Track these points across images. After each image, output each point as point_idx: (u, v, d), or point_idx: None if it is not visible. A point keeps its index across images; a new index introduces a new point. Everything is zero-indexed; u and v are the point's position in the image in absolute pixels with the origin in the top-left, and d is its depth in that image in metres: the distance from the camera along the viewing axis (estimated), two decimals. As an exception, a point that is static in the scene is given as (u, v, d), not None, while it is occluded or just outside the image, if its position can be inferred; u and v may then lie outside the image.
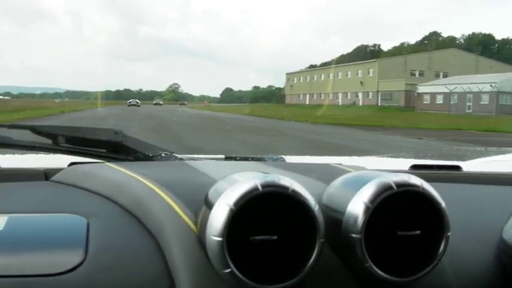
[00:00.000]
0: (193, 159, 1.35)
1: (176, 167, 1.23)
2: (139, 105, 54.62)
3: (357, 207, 0.74)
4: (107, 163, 1.20)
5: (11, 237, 0.79)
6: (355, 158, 1.76)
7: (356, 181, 0.79)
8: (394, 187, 0.74)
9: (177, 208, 0.83)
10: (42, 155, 1.44)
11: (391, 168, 1.04)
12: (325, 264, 0.76)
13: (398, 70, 59.02)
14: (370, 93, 60.49)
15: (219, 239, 0.68)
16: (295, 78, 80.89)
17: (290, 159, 1.53)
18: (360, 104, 59.60)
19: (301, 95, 74.86)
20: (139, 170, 1.05)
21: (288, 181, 0.72)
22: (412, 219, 0.77)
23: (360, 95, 61.98)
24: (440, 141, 15.14)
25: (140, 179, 0.98)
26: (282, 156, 1.53)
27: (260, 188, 0.70)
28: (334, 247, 0.79)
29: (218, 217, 0.69)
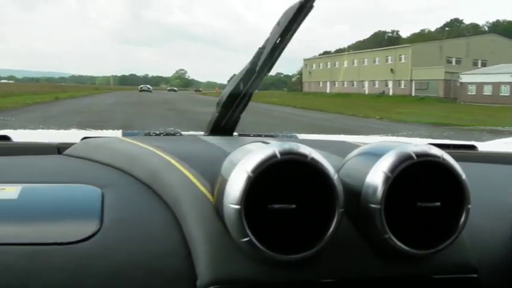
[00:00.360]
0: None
1: (190, 141, 1.21)
2: (151, 91, 51.52)
3: (376, 177, 0.72)
4: (120, 137, 1.19)
5: (25, 206, 0.78)
6: (369, 136, 1.72)
7: (375, 151, 0.77)
8: (414, 157, 0.72)
9: (193, 178, 0.81)
10: (55, 130, 1.55)
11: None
12: (343, 235, 0.74)
13: (434, 57, 53.21)
14: (402, 82, 54.61)
15: (237, 206, 0.66)
16: (313, 65, 74.09)
17: (303, 136, 1.51)
18: (390, 93, 53.72)
19: (320, 83, 68.09)
20: (153, 143, 1.03)
21: (306, 149, 0.70)
22: (432, 191, 0.75)
23: (390, 83, 56.18)
24: None
25: (155, 151, 0.96)
26: (295, 133, 1.53)
27: (279, 155, 0.68)
28: (353, 218, 0.77)
29: (236, 184, 0.67)
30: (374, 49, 64.15)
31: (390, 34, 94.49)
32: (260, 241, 0.67)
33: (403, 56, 55.97)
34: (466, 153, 1.42)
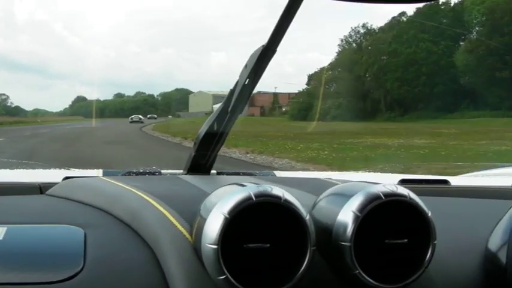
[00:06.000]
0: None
1: (169, 180, 1.25)
2: (142, 122, 45.19)
3: (346, 216, 0.77)
4: (101, 177, 1.24)
5: (11, 247, 0.81)
6: (344, 173, 1.79)
7: (345, 191, 0.82)
8: (382, 197, 0.77)
9: (172, 218, 0.85)
10: (37, 170, 1.58)
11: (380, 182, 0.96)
12: (316, 271, 0.79)
13: None
14: None
15: (214, 246, 0.71)
16: None
17: (280, 174, 1.55)
18: None
19: None
20: (133, 183, 1.08)
21: (280, 191, 0.75)
22: (399, 228, 0.80)
23: None
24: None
25: (134, 191, 1.00)
26: (273, 171, 1.56)
27: (254, 197, 0.73)
28: (325, 255, 0.81)
29: (213, 226, 0.72)
30: None
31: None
32: (236, 279, 0.71)
33: None
34: (438, 187, 1.47)
